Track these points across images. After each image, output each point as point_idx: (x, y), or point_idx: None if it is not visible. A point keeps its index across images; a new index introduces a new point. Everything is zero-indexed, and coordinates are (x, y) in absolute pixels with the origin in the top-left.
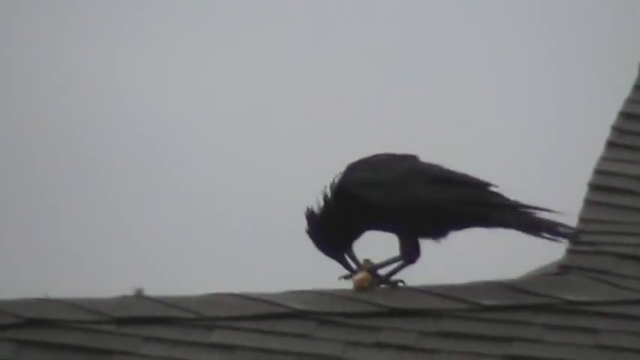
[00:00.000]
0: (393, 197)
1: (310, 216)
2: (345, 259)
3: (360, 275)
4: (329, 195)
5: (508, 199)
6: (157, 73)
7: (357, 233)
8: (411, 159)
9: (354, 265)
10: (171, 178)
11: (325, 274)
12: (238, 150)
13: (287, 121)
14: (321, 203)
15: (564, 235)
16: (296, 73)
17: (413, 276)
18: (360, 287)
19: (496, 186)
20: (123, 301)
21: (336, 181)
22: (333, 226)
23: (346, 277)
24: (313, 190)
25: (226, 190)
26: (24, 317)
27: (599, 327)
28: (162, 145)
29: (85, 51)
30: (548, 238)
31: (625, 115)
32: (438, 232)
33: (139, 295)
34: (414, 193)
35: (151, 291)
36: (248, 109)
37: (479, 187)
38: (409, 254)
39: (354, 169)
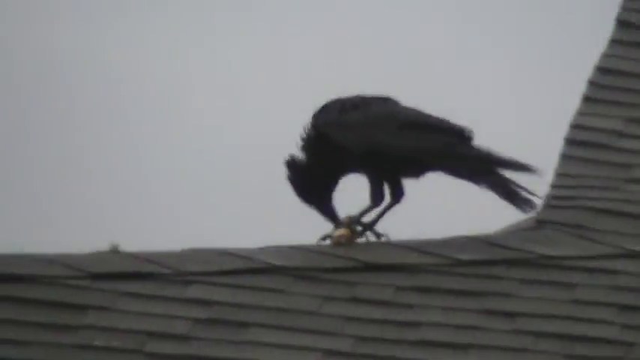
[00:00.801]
0: (360, 141)
1: (290, 163)
2: (329, 208)
3: (340, 231)
4: (304, 137)
5: (480, 150)
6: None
7: (334, 179)
8: (387, 102)
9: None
10: (146, 132)
11: (304, 231)
12: (213, 101)
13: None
14: (299, 148)
15: (527, 203)
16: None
17: (392, 230)
18: (338, 243)
19: (472, 131)
20: (98, 256)
21: (310, 121)
22: (312, 173)
23: (324, 239)
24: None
25: (204, 143)
26: None
27: (574, 281)
28: (137, 98)
29: None
30: (511, 203)
31: (601, 70)
32: (408, 174)
33: (115, 251)
34: (381, 139)
35: (126, 246)
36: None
37: (453, 134)
38: (376, 198)
39: (326, 108)
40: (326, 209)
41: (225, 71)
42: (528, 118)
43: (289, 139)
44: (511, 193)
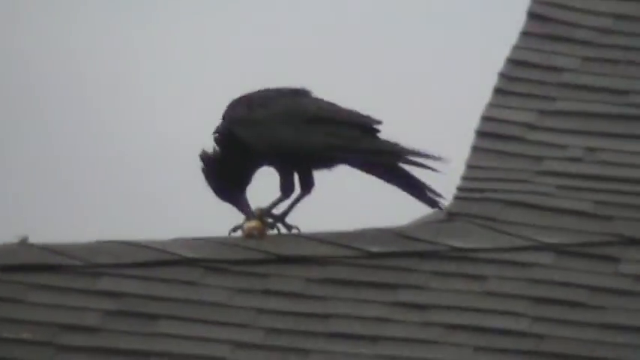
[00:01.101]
0: (263, 138)
1: (204, 157)
2: (242, 202)
3: (251, 223)
4: (217, 132)
5: (386, 143)
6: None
7: (246, 174)
8: (297, 95)
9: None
10: (56, 121)
11: (214, 223)
12: (121, 91)
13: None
14: (214, 142)
15: (430, 202)
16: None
17: (303, 222)
18: (249, 235)
19: (379, 122)
20: (6, 248)
21: (221, 118)
22: (225, 167)
23: (235, 230)
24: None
25: (114, 133)
26: None
27: (485, 274)
28: (49, 88)
29: None
30: (416, 198)
31: (512, 62)
32: (315, 170)
33: (23, 243)
34: (283, 136)
35: (35, 238)
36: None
37: (359, 126)
38: (286, 190)
39: (235, 105)
40: (238, 202)
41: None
42: (439, 110)
43: (206, 133)
44: (417, 190)
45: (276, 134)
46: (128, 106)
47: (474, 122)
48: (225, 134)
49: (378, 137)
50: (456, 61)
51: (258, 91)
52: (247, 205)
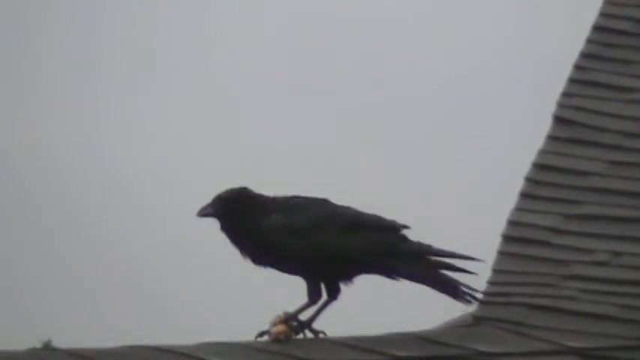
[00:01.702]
0: (305, 245)
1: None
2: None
3: (278, 327)
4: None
5: (419, 245)
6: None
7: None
8: (324, 203)
9: None
10: (82, 224)
11: (242, 327)
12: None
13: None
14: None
15: (465, 299)
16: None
17: (328, 327)
18: (277, 339)
19: (408, 227)
20: (32, 353)
21: (250, 219)
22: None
23: (262, 335)
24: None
25: (138, 235)
26: None
27: None
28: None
29: None
30: (451, 297)
31: (538, 167)
32: (345, 277)
33: (47, 347)
34: (324, 242)
35: (59, 343)
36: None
37: (390, 231)
38: (315, 296)
39: (265, 208)
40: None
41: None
42: (465, 215)
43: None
44: (452, 287)
45: (318, 240)
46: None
47: (500, 226)
48: (258, 239)
49: (410, 240)
50: (483, 166)
51: (285, 197)
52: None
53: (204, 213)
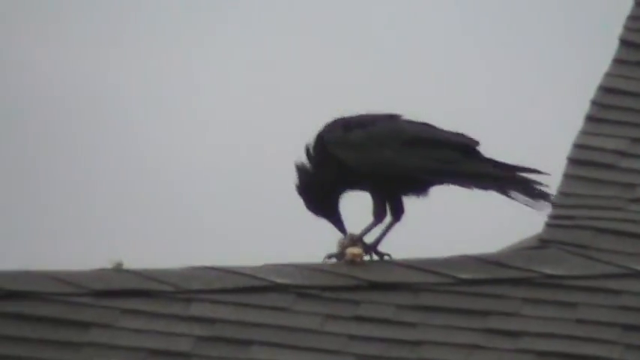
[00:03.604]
0: (365, 160)
1: (300, 168)
2: (338, 217)
3: (354, 250)
4: (311, 152)
5: (488, 161)
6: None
7: (338, 193)
8: (391, 118)
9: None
10: (147, 151)
11: (308, 249)
12: (220, 117)
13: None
14: (306, 160)
15: (542, 196)
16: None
17: (394, 249)
18: (352, 261)
19: (478, 143)
20: (101, 273)
21: (315, 138)
22: (318, 184)
23: (332, 257)
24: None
25: (204, 161)
26: (1, 289)
27: (577, 301)
28: (145, 112)
29: None
30: (526, 201)
31: (604, 90)
32: (413, 192)
33: (118, 268)
34: (386, 158)
35: (129, 264)
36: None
37: (458, 148)
38: (380, 214)
39: (331, 127)
40: (334, 218)
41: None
42: (531, 137)
43: (290, 157)
44: (526, 190)
45: (376, 156)
46: (219, 129)
47: (566, 150)
48: (321, 156)
49: (478, 158)
50: (549, 89)
51: (352, 115)
52: (342, 223)
53: None
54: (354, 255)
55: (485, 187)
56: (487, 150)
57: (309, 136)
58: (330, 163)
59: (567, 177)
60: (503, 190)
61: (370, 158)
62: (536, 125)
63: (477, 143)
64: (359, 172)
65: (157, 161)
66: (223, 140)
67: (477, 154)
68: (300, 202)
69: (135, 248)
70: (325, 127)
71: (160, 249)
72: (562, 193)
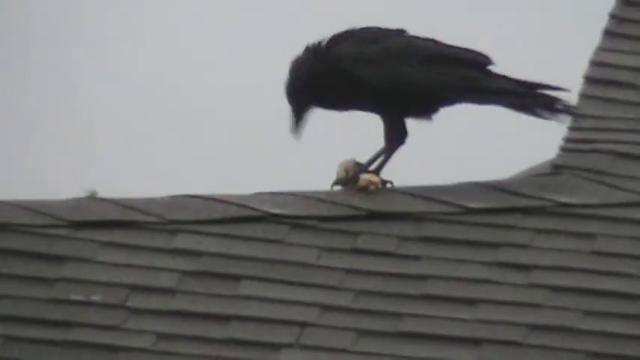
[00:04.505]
0: (384, 76)
1: (296, 65)
2: (302, 115)
3: (371, 176)
4: (314, 59)
5: (504, 78)
6: None
7: (337, 108)
8: (402, 33)
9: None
10: (127, 71)
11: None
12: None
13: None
14: (307, 62)
15: (565, 111)
16: None
17: (396, 176)
18: (366, 188)
19: (492, 60)
20: (77, 203)
21: (322, 49)
22: (314, 87)
23: (339, 183)
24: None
25: (189, 83)
26: None
27: (594, 231)
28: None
29: None
30: (545, 117)
31: (623, 2)
32: (427, 111)
33: (93, 197)
34: (405, 73)
35: (105, 193)
36: None
37: (474, 64)
38: (396, 139)
39: (340, 40)
40: (298, 111)
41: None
42: (545, 53)
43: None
44: (549, 105)
45: (398, 71)
46: (197, 57)
47: (582, 68)
48: (327, 71)
49: (494, 75)
50: (564, 3)
51: (360, 28)
52: (301, 121)
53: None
54: (371, 182)
55: (505, 104)
56: (499, 68)
57: (306, 47)
58: (339, 80)
59: (583, 97)
60: (524, 106)
61: (390, 75)
62: (551, 43)
63: (490, 60)
64: (376, 89)
65: (137, 85)
66: (208, 67)
67: (492, 71)
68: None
69: (110, 177)
70: (332, 39)
71: (141, 178)
72: (577, 115)
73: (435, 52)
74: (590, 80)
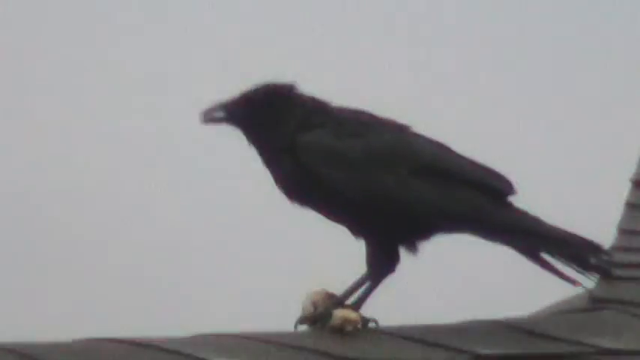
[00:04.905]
0: (357, 184)
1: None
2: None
3: (349, 313)
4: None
5: (524, 218)
6: None
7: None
8: (401, 130)
9: None
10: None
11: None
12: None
13: None
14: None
15: (598, 269)
16: None
17: (382, 313)
18: (340, 329)
19: (512, 185)
20: None
21: (290, 128)
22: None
23: (304, 322)
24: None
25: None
26: None
27: None
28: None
29: None
30: (575, 269)
31: None
32: (412, 238)
33: None
34: (386, 185)
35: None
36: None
37: (487, 189)
38: (382, 265)
39: (313, 122)
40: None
41: None
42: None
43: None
44: (578, 257)
45: (378, 181)
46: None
47: (628, 170)
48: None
49: (511, 207)
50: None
51: (349, 109)
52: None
53: (211, 117)
54: (347, 321)
55: (517, 246)
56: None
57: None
58: (297, 168)
59: (630, 207)
60: (540, 252)
61: (364, 184)
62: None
63: (512, 189)
64: (348, 199)
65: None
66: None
67: (508, 200)
68: None
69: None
70: (300, 110)
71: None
72: (623, 231)
73: (436, 163)
74: (639, 185)
